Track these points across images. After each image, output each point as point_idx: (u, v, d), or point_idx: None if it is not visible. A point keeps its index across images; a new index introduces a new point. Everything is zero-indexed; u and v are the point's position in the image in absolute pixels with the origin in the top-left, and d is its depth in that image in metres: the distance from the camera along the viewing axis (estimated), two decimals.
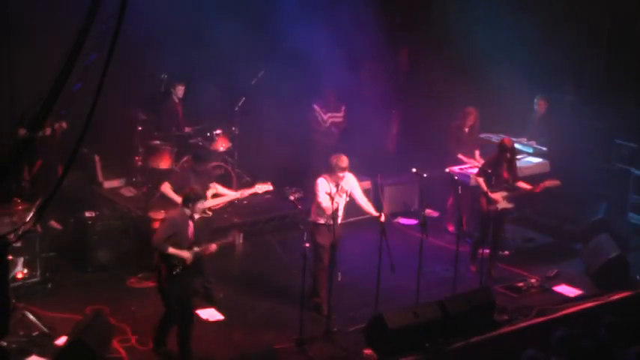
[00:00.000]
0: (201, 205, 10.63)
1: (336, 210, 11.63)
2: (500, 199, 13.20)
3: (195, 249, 10.45)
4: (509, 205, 13.33)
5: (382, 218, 11.63)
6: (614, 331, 9.63)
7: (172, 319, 10.53)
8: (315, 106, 16.21)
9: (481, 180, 13.32)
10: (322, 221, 11.82)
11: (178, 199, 11.75)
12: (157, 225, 13.26)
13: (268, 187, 12.45)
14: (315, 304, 11.98)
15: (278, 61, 16.29)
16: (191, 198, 10.45)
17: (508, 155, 13.32)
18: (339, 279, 12.26)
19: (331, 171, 11.73)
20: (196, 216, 10.61)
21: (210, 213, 12.10)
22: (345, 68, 16.44)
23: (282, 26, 15.86)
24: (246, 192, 12.47)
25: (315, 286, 11.96)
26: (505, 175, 13.28)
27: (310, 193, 12.14)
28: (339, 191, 11.79)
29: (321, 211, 11.77)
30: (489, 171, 13.21)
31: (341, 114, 16.33)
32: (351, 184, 11.97)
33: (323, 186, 11.71)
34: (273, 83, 16.26)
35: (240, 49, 16.44)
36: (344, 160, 11.67)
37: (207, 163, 12.73)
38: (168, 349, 10.68)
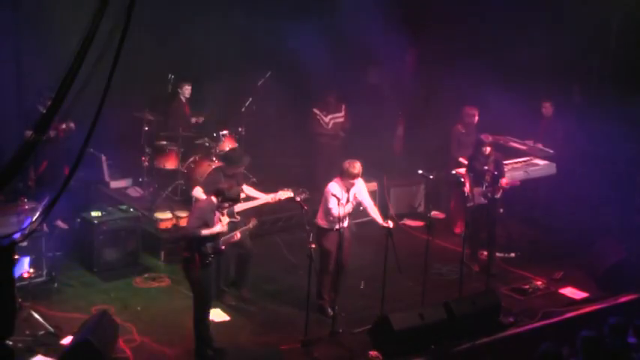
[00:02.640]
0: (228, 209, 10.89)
1: (344, 215, 11.68)
2: (475, 194, 13.21)
3: (223, 237, 10.74)
4: (483, 201, 13.28)
5: (390, 225, 11.61)
6: (619, 332, 9.62)
7: (204, 307, 10.70)
8: (315, 110, 16.16)
9: (467, 177, 13.34)
10: (328, 226, 11.85)
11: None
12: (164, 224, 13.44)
13: (289, 194, 12.31)
14: (320, 306, 11.99)
15: (285, 61, 16.29)
16: (225, 196, 10.65)
17: (484, 150, 13.31)
18: (362, 287, 12.51)
19: (343, 176, 11.73)
20: (226, 220, 10.72)
21: (238, 218, 12.00)
22: (352, 69, 16.45)
23: (289, 27, 15.88)
24: (274, 197, 12.37)
25: (319, 289, 11.97)
26: (483, 170, 13.23)
27: (320, 196, 12.13)
28: (351, 200, 11.79)
29: (328, 215, 11.78)
30: (482, 168, 13.23)
31: (342, 114, 16.28)
32: (360, 189, 11.97)
33: (334, 190, 11.69)
34: (280, 84, 16.26)
35: (247, 49, 16.45)
36: (356, 167, 11.65)
37: (239, 167, 12.53)
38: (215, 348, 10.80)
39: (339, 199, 11.55)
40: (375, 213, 11.95)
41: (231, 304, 12.25)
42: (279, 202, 12.55)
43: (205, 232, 10.50)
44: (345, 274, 12.05)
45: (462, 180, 13.46)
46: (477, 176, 13.29)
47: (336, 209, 11.58)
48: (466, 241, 12.86)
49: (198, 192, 12.01)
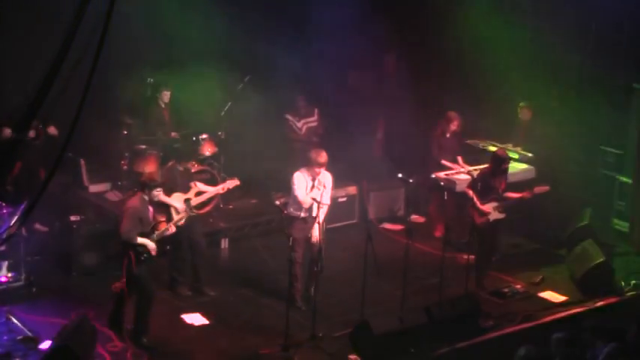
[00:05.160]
0: (159, 192, 11.10)
1: (312, 204, 11.88)
2: (491, 210, 13.20)
3: (157, 232, 11.06)
4: (500, 216, 13.32)
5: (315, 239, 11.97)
6: (597, 335, 9.64)
7: (146, 302, 11.09)
8: (288, 116, 16.21)
9: (472, 193, 13.25)
10: (297, 214, 12.06)
11: (172, 202, 11.80)
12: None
13: (236, 182, 12.70)
14: (291, 295, 11.95)
15: (265, 65, 16.28)
16: (147, 184, 11.04)
17: (504, 167, 13.28)
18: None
19: (309, 165, 11.99)
20: (180, 215, 10.91)
21: (195, 212, 12.18)
22: (331, 73, 16.44)
23: (268, 30, 15.88)
24: (225, 186, 12.70)
25: (290, 279, 11.91)
26: (497, 186, 13.25)
27: (287, 188, 12.32)
28: (316, 185, 11.99)
29: (296, 204, 11.99)
30: (479, 184, 13.19)
31: (315, 117, 16.30)
32: (327, 184, 12.16)
33: (299, 180, 11.98)
34: (260, 88, 16.23)
35: (227, 53, 16.41)
36: (323, 156, 11.94)
37: (189, 162, 12.69)
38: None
39: (305, 188, 11.94)
40: (321, 217, 12.06)
41: (187, 294, 12.50)
42: (254, 206, 12.67)
43: (141, 240, 10.86)
44: (321, 268, 11.97)
45: (443, 184, 13.47)
46: (487, 191, 13.23)
47: (302, 197, 11.89)
48: (480, 262, 13.06)
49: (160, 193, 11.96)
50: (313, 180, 12.03)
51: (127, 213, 11.00)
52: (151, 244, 10.88)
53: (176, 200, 12.11)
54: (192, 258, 12.52)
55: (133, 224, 10.81)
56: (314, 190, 11.98)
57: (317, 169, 11.94)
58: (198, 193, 12.46)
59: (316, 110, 16.35)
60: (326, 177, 12.15)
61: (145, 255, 10.86)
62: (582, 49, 16.77)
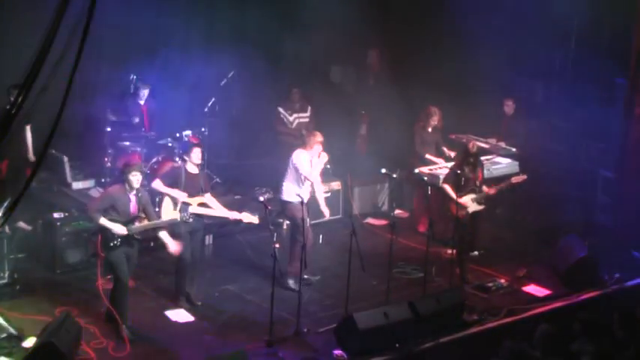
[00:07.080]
0: (135, 177, 10.86)
1: (312, 183, 12.56)
2: (469, 202, 13.24)
3: (137, 224, 10.93)
4: (479, 207, 13.36)
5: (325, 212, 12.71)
6: (581, 328, 9.69)
7: (115, 287, 11.12)
8: (280, 109, 16.16)
9: (448, 187, 13.29)
10: (295, 199, 12.34)
11: (172, 192, 11.64)
12: None
13: (254, 220, 12.07)
14: (287, 280, 12.49)
15: (247, 61, 16.27)
16: (123, 170, 11.00)
17: (471, 160, 13.32)
18: (321, 241, 13.38)
19: (309, 146, 12.53)
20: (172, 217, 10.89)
21: (191, 220, 11.86)
22: (314, 69, 16.45)
23: (251, 26, 15.86)
24: (235, 215, 12.13)
25: (290, 260, 12.48)
26: (472, 177, 13.29)
27: (284, 169, 12.73)
28: (314, 164, 12.55)
29: (298, 184, 12.41)
30: (458, 172, 13.23)
31: (307, 114, 16.28)
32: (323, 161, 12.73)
33: (300, 157, 12.49)
34: (243, 84, 16.22)
35: (210, 49, 16.41)
36: (319, 135, 12.63)
37: (191, 151, 12.33)
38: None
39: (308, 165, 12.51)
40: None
41: (197, 304, 12.24)
42: (238, 202, 12.64)
43: (104, 222, 10.78)
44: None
45: (426, 179, 13.53)
46: (463, 183, 13.26)
47: (307, 171, 12.40)
48: (459, 253, 13.09)
49: (158, 184, 11.81)
50: (312, 159, 12.53)
51: (100, 194, 11.27)
52: (117, 228, 10.76)
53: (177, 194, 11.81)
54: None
55: (100, 205, 10.92)
56: (314, 167, 12.54)
57: (318, 148, 12.51)
58: (202, 204, 12.04)
59: (310, 107, 16.34)
60: (323, 156, 12.66)
61: (114, 242, 10.82)
62: (565, 44, 16.83)
